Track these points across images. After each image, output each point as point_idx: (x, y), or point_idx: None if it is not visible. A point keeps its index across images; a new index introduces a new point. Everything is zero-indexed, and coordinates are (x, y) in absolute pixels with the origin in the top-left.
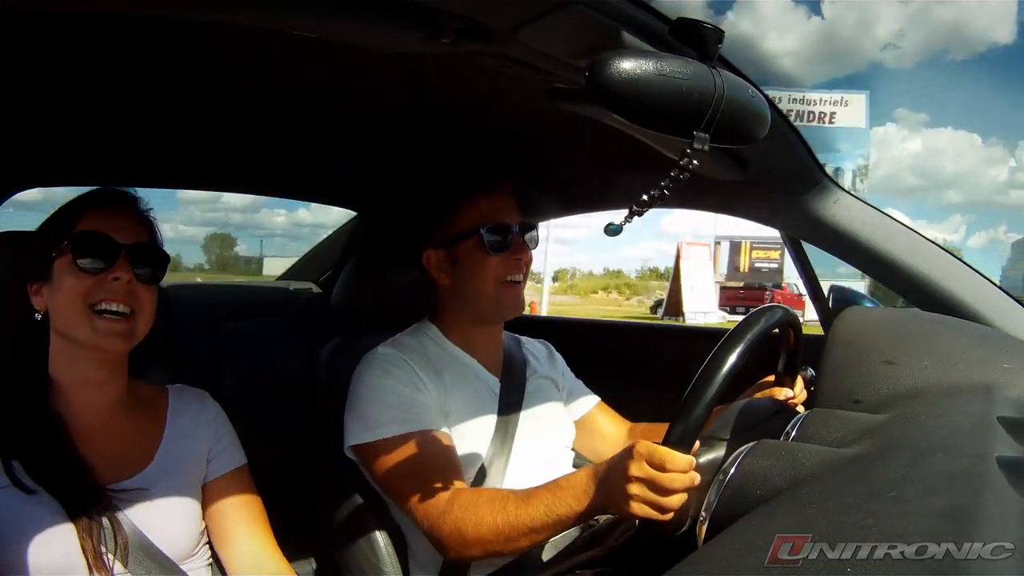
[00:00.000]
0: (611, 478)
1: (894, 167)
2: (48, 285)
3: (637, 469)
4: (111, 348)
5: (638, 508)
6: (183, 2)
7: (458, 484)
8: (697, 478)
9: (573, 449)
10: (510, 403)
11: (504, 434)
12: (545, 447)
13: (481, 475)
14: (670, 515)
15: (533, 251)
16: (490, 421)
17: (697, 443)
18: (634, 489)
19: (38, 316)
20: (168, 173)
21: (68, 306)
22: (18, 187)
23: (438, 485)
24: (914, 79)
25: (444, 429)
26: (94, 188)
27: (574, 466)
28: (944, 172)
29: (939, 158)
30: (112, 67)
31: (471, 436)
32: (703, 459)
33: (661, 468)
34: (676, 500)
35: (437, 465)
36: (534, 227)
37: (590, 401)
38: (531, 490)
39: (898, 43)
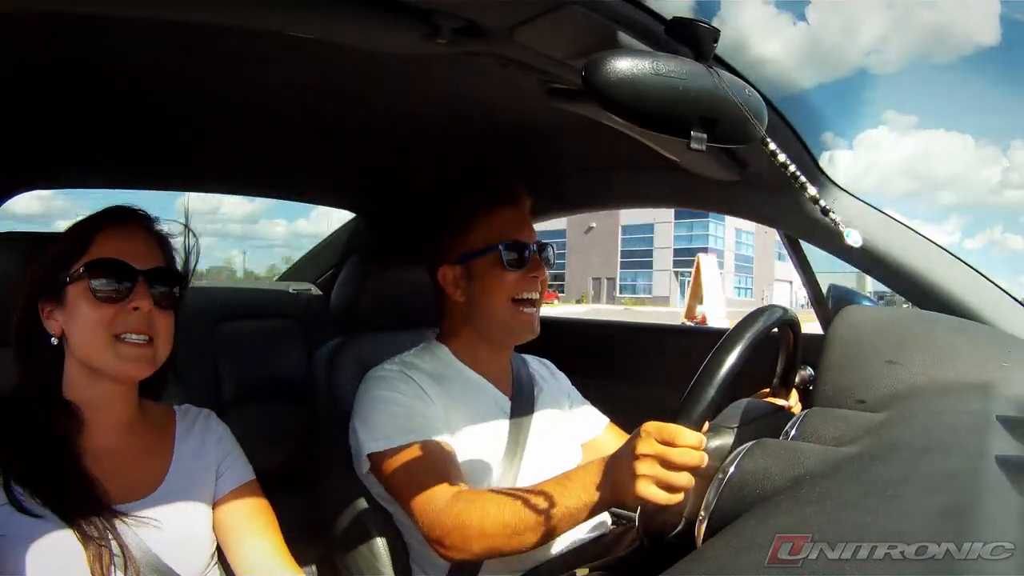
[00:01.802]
0: (619, 461)
1: (886, 170)
2: (61, 310)
3: (645, 446)
4: (136, 374)
5: (645, 488)
6: (184, 3)
7: (463, 485)
8: (706, 459)
9: None
10: (520, 420)
11: (514, 452)
12: (555, 465)
13: None
14: (679, 497)
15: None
16: (500, 438)
17: (707, 425)
18: (642, 467)
19: (54, 341)
20: (168, 175)
21: (90, 335)
22: (20, 188)
23: (443, 482)
24: (901, 82)
25: (451, 441)
26: (107, 207)
27: None
28: (937, 174)
29: (931, 160)
30: (112, 68)
31: (481, 453)
32: (712, 444)
33: (671, 444)
34: (685, 479)
35: (443, 465)
36: (549, 247)
37: (599, 424)
38: (539, 484)
39: (883, 47)
